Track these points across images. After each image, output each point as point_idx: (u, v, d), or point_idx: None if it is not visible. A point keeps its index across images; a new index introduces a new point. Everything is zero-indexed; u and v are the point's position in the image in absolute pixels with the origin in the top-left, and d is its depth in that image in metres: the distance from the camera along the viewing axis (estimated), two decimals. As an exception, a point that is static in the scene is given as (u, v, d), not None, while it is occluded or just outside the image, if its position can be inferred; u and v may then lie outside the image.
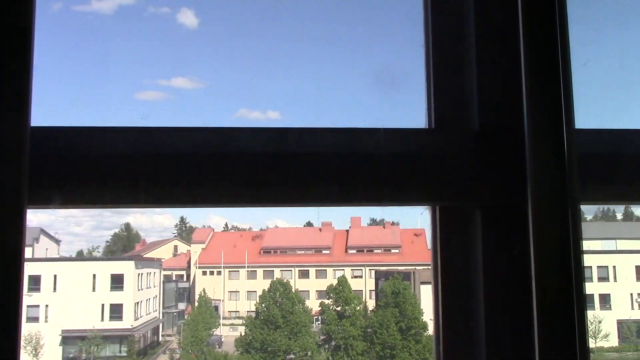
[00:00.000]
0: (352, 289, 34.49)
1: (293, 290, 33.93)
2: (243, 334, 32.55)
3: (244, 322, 33.90)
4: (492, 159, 1.32)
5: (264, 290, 33.07)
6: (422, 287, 34.63)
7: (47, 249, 40.77)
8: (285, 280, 34.95)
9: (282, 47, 45.38)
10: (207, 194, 1.27)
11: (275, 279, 36.10)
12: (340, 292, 32.43)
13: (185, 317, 37.95)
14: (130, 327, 35.67)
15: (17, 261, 1.10)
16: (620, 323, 35.29)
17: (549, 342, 1.24)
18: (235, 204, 1.30)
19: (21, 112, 1.13)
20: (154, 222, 73.68)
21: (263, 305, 32.06)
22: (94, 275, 36.35)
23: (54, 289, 35.26)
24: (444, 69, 1.39)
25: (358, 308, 33.05)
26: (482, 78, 1.36)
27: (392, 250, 47.34)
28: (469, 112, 1.37)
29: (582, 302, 1.25)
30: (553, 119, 1.25)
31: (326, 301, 33.36)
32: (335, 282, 34.53)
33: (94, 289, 36.32)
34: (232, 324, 40.87)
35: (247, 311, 38.92)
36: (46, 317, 34.95)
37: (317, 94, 48.64)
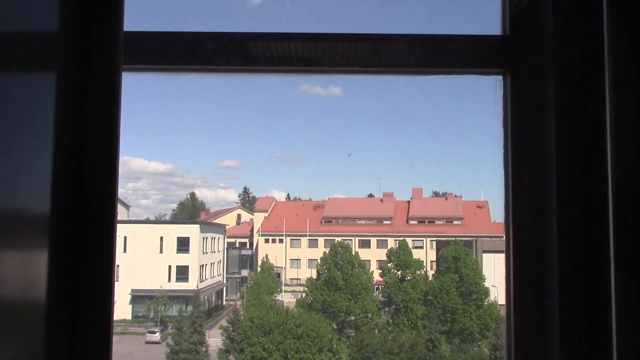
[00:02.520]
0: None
1: (353, 253, 34.08)
2: (304, 295, 33.01)
3: (306, 283, 34.34)
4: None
5: (324, 252, 33.33)
6: (485, 255, 34.10)
7: (117, 212, 42.39)
8: (345, 243, 35.12)
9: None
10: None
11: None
12: (400, 255, 32.36)
13: (248, 280, 38.79)
14: (196, 288, 36.77)
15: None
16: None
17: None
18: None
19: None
20: (217, 196, 75.06)
21: (324, 267, 32.34)
22: (161, 238, 37.56)
23: (124, 249, 36.68)
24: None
25: (418, 272, 32.94)
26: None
27: (454, 222, 46.84)
28: None
29: None
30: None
31: (387, 265, 33.41)
32: (396, 246, 34.48)
33: (161, 251, 37.60)
34: (293, 291, 41.48)
35: (308, 278, 39.41)
36: (117, 277, 36.40)
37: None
